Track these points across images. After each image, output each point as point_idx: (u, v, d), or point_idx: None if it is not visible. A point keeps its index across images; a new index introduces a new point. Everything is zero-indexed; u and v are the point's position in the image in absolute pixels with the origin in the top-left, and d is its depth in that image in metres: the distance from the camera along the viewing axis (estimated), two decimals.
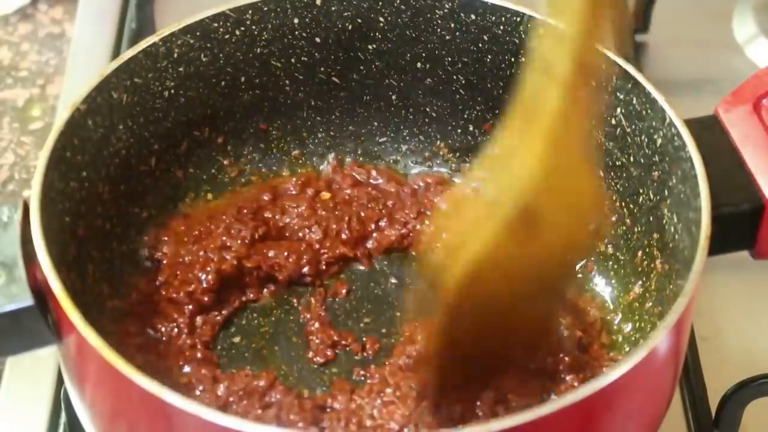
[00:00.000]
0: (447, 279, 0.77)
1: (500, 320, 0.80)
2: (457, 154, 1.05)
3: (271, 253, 0.97)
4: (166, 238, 0.97)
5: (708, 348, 1.01)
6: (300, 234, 1.00)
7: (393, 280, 0.99)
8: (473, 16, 0.98)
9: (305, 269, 0.97)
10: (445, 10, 0.98)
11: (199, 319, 0.94)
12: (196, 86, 0.98)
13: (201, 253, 0.95)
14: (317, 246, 0.99)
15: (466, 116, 1.04)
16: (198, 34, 0.96)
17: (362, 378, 0.92)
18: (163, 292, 0.94)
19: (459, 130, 1.05)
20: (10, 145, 1.22)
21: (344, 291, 0.98)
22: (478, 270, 0.76)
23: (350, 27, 1.00)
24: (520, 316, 0.81)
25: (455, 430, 0.69)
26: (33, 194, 0.81)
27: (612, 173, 0.95)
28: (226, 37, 0.97)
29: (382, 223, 1.01)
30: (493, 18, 0.97)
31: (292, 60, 1.01)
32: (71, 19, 1.33)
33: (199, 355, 0.92)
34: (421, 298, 0.87)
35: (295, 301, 0.97)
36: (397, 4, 0.99)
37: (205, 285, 0.94)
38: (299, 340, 0.95)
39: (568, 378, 0.88)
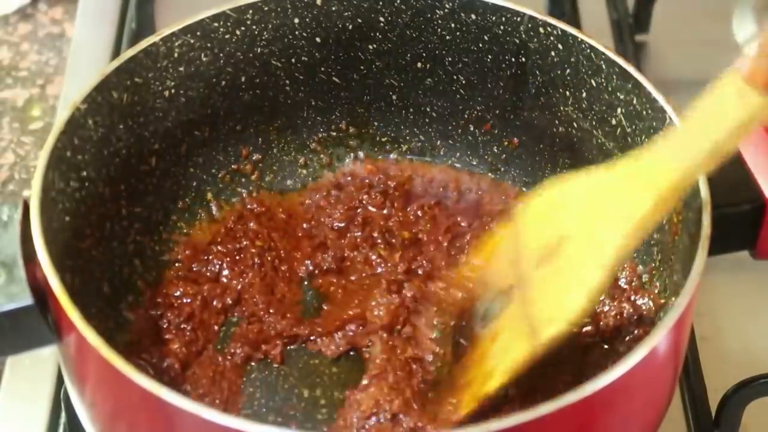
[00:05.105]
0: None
1: None
2: (458, 155, 1.05)
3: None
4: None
5: (708, 348, 1.01)
6: None
7: None
8: (473, 16, 0.98)
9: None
10: (445, 10, 0.98)
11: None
12: (196, 86, 0.98)
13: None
14: None
15: (466, 116, 1.04)
16: (198, 34, 0.96)
17: None
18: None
19: (459, 130, 1.05)
20: (10, 145, 1.22)
21: None
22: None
23: (350, 27, 1.00)
24: None
25: (455, 430, 0.69)
26: (33, 194, 0.81)
27: None
28: (227, 37, 0.97)
29: None
30: (493, 18, 0.97)
31: (293, 60, 1.01)
32: (71, 19, 1.33)
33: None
34: None
35: None
36: (397, 4, 0.99)
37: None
38: None
39: None
